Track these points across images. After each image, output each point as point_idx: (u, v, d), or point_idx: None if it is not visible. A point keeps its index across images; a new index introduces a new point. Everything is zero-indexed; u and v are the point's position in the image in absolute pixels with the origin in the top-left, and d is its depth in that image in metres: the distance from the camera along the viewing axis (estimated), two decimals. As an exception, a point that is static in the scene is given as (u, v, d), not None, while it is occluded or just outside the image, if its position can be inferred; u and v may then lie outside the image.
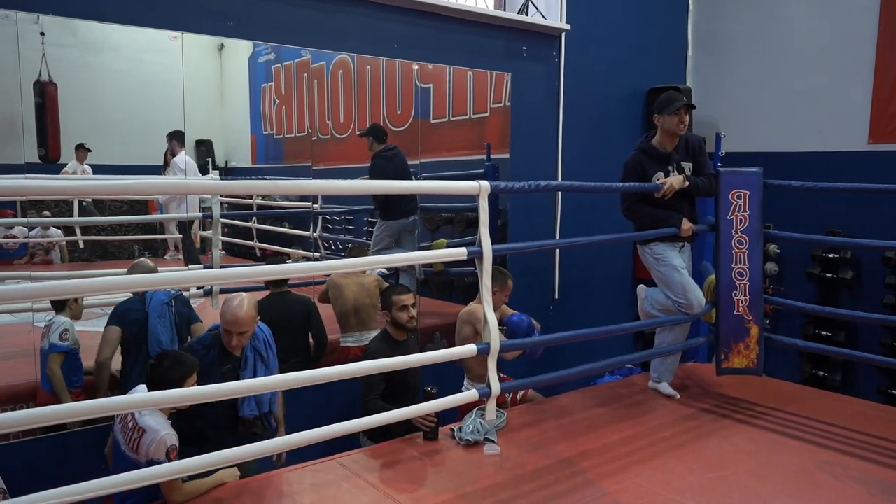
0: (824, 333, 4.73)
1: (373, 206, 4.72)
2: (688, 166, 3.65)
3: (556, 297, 4.83)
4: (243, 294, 2.97)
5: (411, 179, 4.42)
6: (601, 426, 3.35)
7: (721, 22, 5.41)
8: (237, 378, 2.86)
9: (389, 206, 4.58)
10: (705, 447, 3.12)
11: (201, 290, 3.99)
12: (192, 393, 2.38)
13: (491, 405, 2.88)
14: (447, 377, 3.25)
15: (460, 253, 2.89)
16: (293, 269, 3.21)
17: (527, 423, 3.37)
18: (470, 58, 4.41)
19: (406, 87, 4.50)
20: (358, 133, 4.46)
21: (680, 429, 3.31)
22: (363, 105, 4.59)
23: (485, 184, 2.80)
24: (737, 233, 3.74)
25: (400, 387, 3.29)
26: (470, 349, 2.82)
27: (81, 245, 3.98)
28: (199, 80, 4.08)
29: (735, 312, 3.75)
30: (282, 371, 3.82)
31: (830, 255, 4.72)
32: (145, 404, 2.42)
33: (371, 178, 4.46)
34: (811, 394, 4.05)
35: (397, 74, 4.50)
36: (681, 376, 4.00)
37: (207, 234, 4.18)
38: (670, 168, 3.61)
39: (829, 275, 4.73)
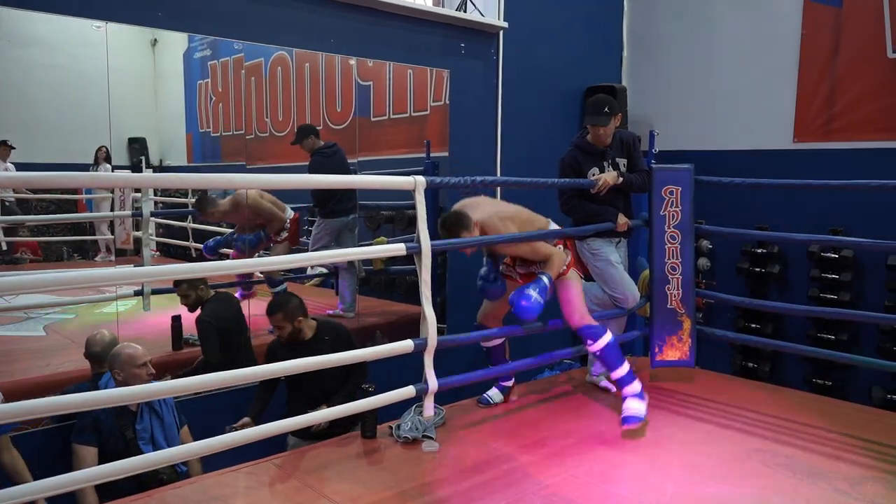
0: (754, 326, 4.88)
1: (312, 204, 4.64)
2: (622, 162, 3.73)
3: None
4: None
5: (351, 177, 4.37)
6: (539, 420, 3.37)
7: (654, 24, 5.54)
8: (135, 433, 2.96)
9: (329, 203, 4.51)
10: (640, 438, 3.17)
11: (131, 291, 3.85)
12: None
13: (428, 402, 2.87)
14: (409, 372, 3.20)
15: (399, 248, 2.88)
16: (227, 265, 3.13)
17: (466, 419, 3.37)
18: (408, 54, 4.38)
19: (346, 84, 4.45)
20: (292, 143, 4.37)
21: (616, 421, 3.36)
22: (302, 103, 4.51)
23: (420, 179, 2.79)
24: (669, 228, 3.83)
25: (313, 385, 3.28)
26: (406, 345, 2.80)
27: (4, 247, 3.79)
28: (131, 76, 3.95)
29: (668, 306, 3.83)
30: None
31: (759, 251, 4.87)
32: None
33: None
34: (742, 384, 4.18)
35: (337, 72, 4.44)
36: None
37: (139, 234, 4.04)
38: (605, 164, 3.69)
39: (757, 269, 4.89)
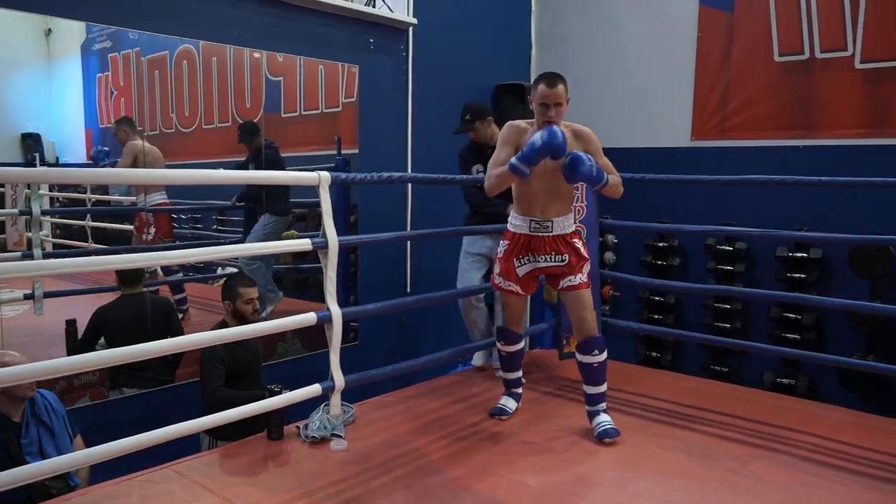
0: (656, 317, 5.08)
1: (234, 202, 4.50)
2: None
3: (409, 289, 4.85)
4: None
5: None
6: (450, 415, 3.39)
7: (560, 24, 5.67)
8: (20, 446, 2.76)
9: (282, 199, 4.39)
10: (546, 429, 3.24)
11: (21, 295, 3.63)
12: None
13: (335, 399, 2.84)
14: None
15: (304, 244, 2.85)
16: (131, 259, 2.96)
17: (376, 416, 3.35)
18: (315, 48, 4.32)
19: (255, 79, 4.34)
20: (239, 141, 4.25)
21: (524, 413, 3.42)
22: (210, 98, 4.37)
23: (325, 174, 2.76)
24: (575, 223, 3.91)
25: (237, 378, 3.23)
26: (309, 318, 2.78)
27: None
28: (23, 67, 3.72)
29: (575, 299, 3.93)
30: (138, 384, 3.63)
31: (660, 244, 5.07)
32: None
33: (268, 169, 4.28)
34: (645, 373, 4.34)
35: (245, 66, 4.32)
36: (526, 362, 4.14)
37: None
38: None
39: (659, 262, 5.09)
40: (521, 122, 3.08)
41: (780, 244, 4.53)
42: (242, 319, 3.25)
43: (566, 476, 2.75)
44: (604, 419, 3.15)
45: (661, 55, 5.15)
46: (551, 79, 2.97)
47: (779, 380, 4.52)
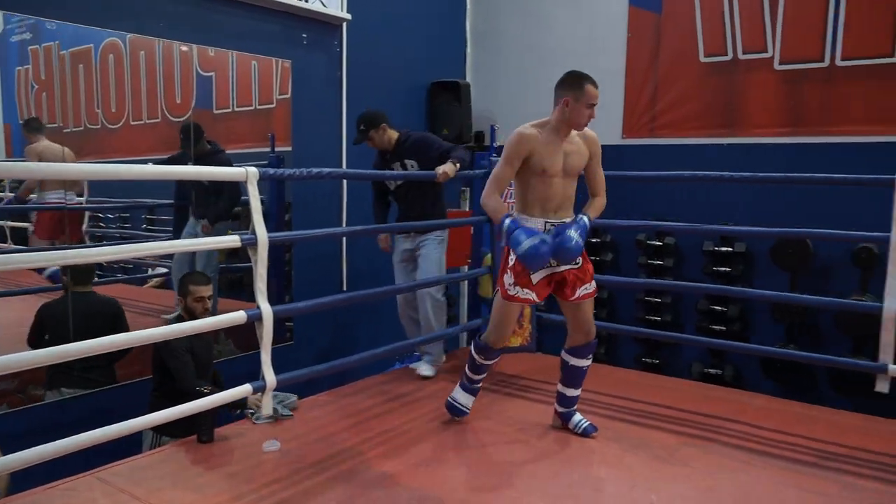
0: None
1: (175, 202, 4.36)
2: (410, 163, 3.99)
3: (345, 287, 4.81)
4: None
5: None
6: (384, 413, 3.38)
7: (495, 21, 5.71)
8: None
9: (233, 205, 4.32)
10: (479, 424, 3.27)
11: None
12: None
13: (267, 399, 2.78)
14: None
15: (233, 240, 2.79)
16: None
17: (311, 415, 3.31)
18: (246, 43, 4.23)
19: (185, 74, 4.21)
20: (189, 147, 4.10)
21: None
22: (137, 93, 4.22)
23: (252, 170, 2.71)
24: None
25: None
26: (239, 316, 2.74)
27: None
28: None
29: (510, 294, 3.97)
30: (82, 385, 3.48)
31: (594, 240, 5.17)
32: None
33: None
34: (580, 367, 4.41)
35: (175, 61, 4.19)
36: (462, 358, 4.16)
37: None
38: (395, 165, 4.03)
39: (593, 258, 5.17)
40: (530, 130, 2.93)
41: (707, 239, 4.68)
42: (193, 317, 3.18)
43: (501, 469, 2.77)
44: (581, 418, 3.17)
45: (593, 54, 5.25)
46: (592, 78, 2.96)
47: (707, 370, 4.67)
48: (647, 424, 3.30)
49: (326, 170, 3.25)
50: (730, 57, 4.67)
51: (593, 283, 3.06)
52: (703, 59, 4.79)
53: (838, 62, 4.31)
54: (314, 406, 3.44)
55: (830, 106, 4.35)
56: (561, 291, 3.02)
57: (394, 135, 4.01)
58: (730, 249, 4.60)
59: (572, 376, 3.13)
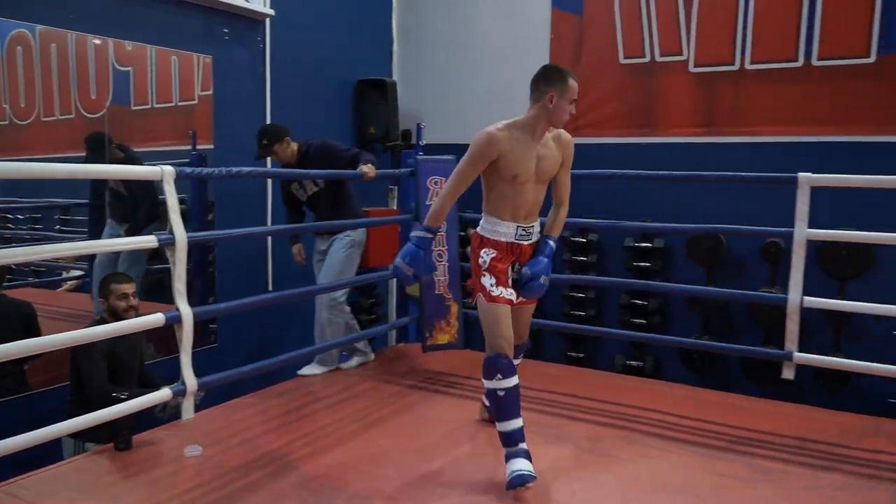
0: (518, 307, 5.26)
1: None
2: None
3: (271, 287, 4.72)
4: None
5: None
6: (311, 413, 3.35)
7: (421, 20, 5.73)
8: None
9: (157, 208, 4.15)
10: (407, 421, 3.28)
11: None
12: None
13: (188, 403, 2.72)
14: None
15: (149, 241, 2.71)
16: None
17: (235, 418, 3.25)
18: (164, 37, 4.09)
19: (101, 68, 4.05)
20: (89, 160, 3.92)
21: (386, 407, 3.44)
22: (49, 88, 4.03)
23: (168, 169, 2.65)
24: (439, 219, 3.99)
25: (114, 376, 3.10)
26: (157, 318, 2.67)
27: None
28: None
29: (437, 292, 4.00)
30: None
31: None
32: None
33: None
34: (507, 362, 4.48)
35: (90, 54, 4.02)
36: (391, 356, 4.18)
37: None
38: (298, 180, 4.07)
39: (518, 254, 5.26)
40: (501, 132, 2.72)
41: (628, 235, 4.83)
42: (117, 316, 3.07)
43: (430, 466, 2.79)
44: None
45: (517, 55, 5.33)
46: (572, 72, 2.80)
47: (628, 362, 4.82)
48: (571, 416, 3.38)
49: (246, 169, 3.19)
50: (648, 59, 4.83)
51: None
52: (622, 60, 4.94)
53: (748, 65, 4.52)
54: (238, 409, 3.38)
55: (741, 107, 4.56)
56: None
57: (295, 147, 3.99)
58: (650, 245, 4.76)
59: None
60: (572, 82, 2.74)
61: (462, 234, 4.57)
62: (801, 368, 3.44)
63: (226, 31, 4.42)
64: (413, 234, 2.73)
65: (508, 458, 2.64)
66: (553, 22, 5.17)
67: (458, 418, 3.32)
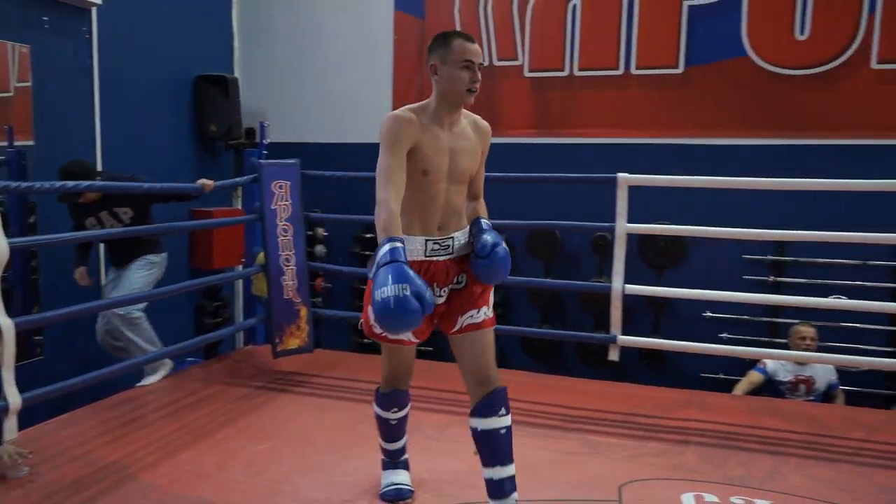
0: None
1: None
2: (124, 210, 3.81)
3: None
4: None
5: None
6: (153, 422, 3.22)
7: (265, 17, 5.62)
8: None
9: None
10: (256, 423, 3.25)
11: None
12: None
13: (10, 422, 2.52)
14: None
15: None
16: None
17: (66, 434, 3.04)
18: (-27, 23, 3.75)
19: None
20: None
21: (233, 410, 3.38)
22: None
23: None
24: (281, 221, 3.97)
25: None
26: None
27: None
28: None
29: (285, 297, 3.97)
30: None
31: (368, 235, 5.32)
32: None
33: None
34: (358, 359, 4.55)
35: None
36: (238, 360, 4.10)
37: None
38: (101, 216, 3.80)
39: (368, 252, 5.33)
40: (409, 114, 2.16)
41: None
42: None
43: (280, 467, 2.78)
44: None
45: (362, 55, 5.39)
46: (465, 34, 2.20)
47: (477, 353, 5.04)
48: (420, 408, 3.47)
49: (72, 183, 2.98)
50: (487, 63, 5.07)
51: (487, 310, 2.28)
52: (463, 64, 5.13)
53: (576, 72, 4.87)
54: (68, 424, 3.16)
55: (570, 110, 4.91)
56: (448, 324, 2.27)
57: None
58: (491, 241, 5.00)
59: (488, 447, 2.22)
60: (458, 42, 2.14)
61: (310, 233, 4.56)
62: (627, 350, 3.78)
63: (45, 19, 4.11)
64: (379, 253, 1.96)
65: (387, 467, 2.59)
66: (396, 24, 5.28)
67: (308, 418, 3.33)
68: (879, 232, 3.43)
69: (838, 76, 4.36)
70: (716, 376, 4.56)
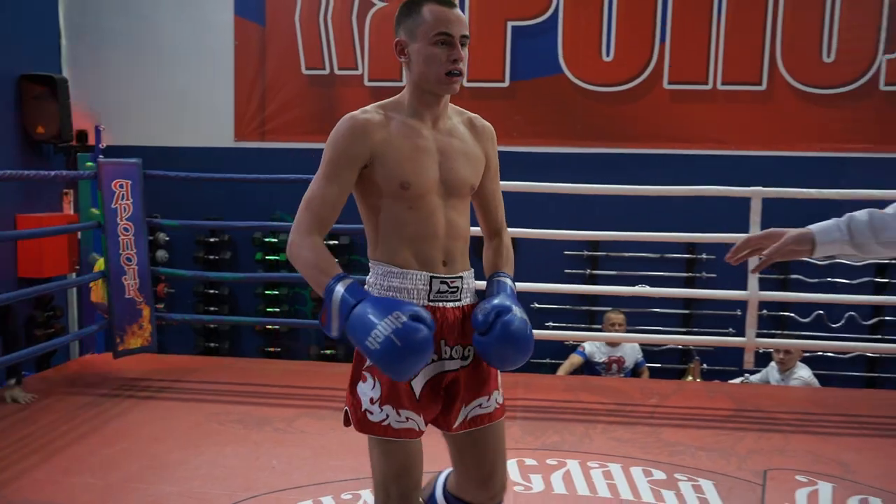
0: (212, 309, 5.34)
1: None
2: None
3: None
4: None
5: None
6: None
7: (95, 16, 5.43)
8: None
9: None
10: (105, 428, 3.24)
11: None
12: None
13: None
14: None
15: None
16: None
17: None
18: None
19: None
20: None
21: (76, 419, 3.34)
22: None
23: None
24: (122, 221, 3.95)
25: None
26: None
27: None
28: None
29: (127, 296, 3.95)
30: None
31: (212, 239, 5.33)
32: None
33: None
34: (207, 362, 4.60)
35: None
36: (76, 369, 4.01)
37: None
38: None
39: (212, 256, 5.35)
40: (370, 114, 1.61)
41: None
42: None
43: (131, 467, 2.82)
44: None
45: (201, 58, 5.38)
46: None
47: (322, 351, 5.23)
48: (269, 403, 3.64)
49: None
50: (328, 71, 5.26)
51: (498, 395, 1.68)
52: (304, 71, 5.30)
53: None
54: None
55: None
56: (446, 419, 1.64)
57: None
58: (335, 242, 5.21)
59: None
60: (430, 7, 1.55)
61: (151, 238, 4.53)
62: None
63: None
64: (333, 303, 1.46)
65: None
66: (236, 29, 5.34)
67: (156, 421, 3.36)
68: (673, 231, 4.10)
69: (636, 94, 5.02)
70: (543, 361, 5.07)
